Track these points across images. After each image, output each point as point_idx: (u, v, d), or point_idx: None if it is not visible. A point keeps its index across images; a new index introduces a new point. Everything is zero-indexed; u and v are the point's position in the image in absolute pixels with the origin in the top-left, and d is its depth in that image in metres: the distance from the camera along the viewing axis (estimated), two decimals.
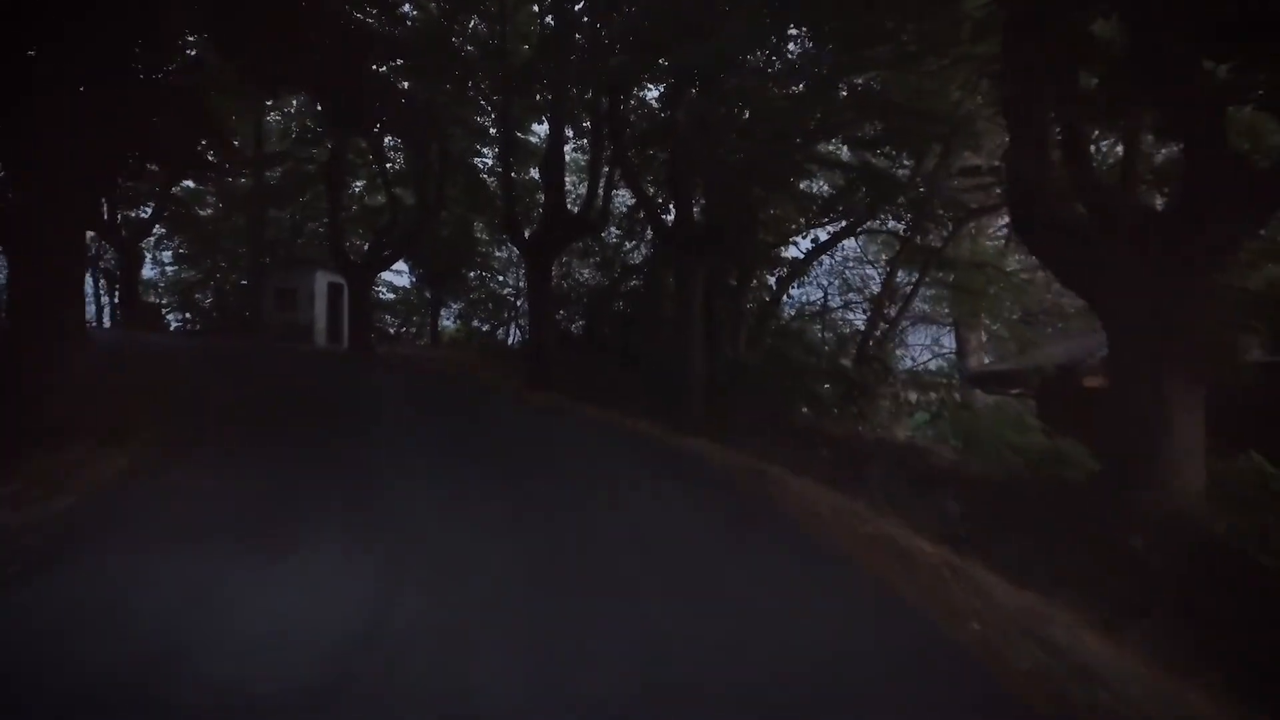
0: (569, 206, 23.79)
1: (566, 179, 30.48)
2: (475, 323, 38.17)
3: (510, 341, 35.47)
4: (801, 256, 19.96)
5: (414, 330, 42.57)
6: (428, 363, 24.52)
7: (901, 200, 16.92)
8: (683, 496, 9.31)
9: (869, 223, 19.41)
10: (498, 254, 36.99)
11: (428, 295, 38.08)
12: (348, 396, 15.53)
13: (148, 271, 39.83)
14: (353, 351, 26.54)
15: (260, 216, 28.92)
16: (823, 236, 20.63)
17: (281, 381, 16.98)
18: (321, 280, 33.05)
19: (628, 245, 26.76)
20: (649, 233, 25.55)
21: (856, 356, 17.53)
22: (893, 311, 18.98)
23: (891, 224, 19.80)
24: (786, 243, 20.35)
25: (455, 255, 34.92)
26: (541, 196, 23.62)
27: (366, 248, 28.79)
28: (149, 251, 36.20)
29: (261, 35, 15.61)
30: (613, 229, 28.48)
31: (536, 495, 8.70)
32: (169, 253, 37.09)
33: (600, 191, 23.06)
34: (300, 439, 11.33)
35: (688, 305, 15.79)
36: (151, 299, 40.99)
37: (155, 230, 34.17)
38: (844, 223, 19.35)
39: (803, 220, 19.38)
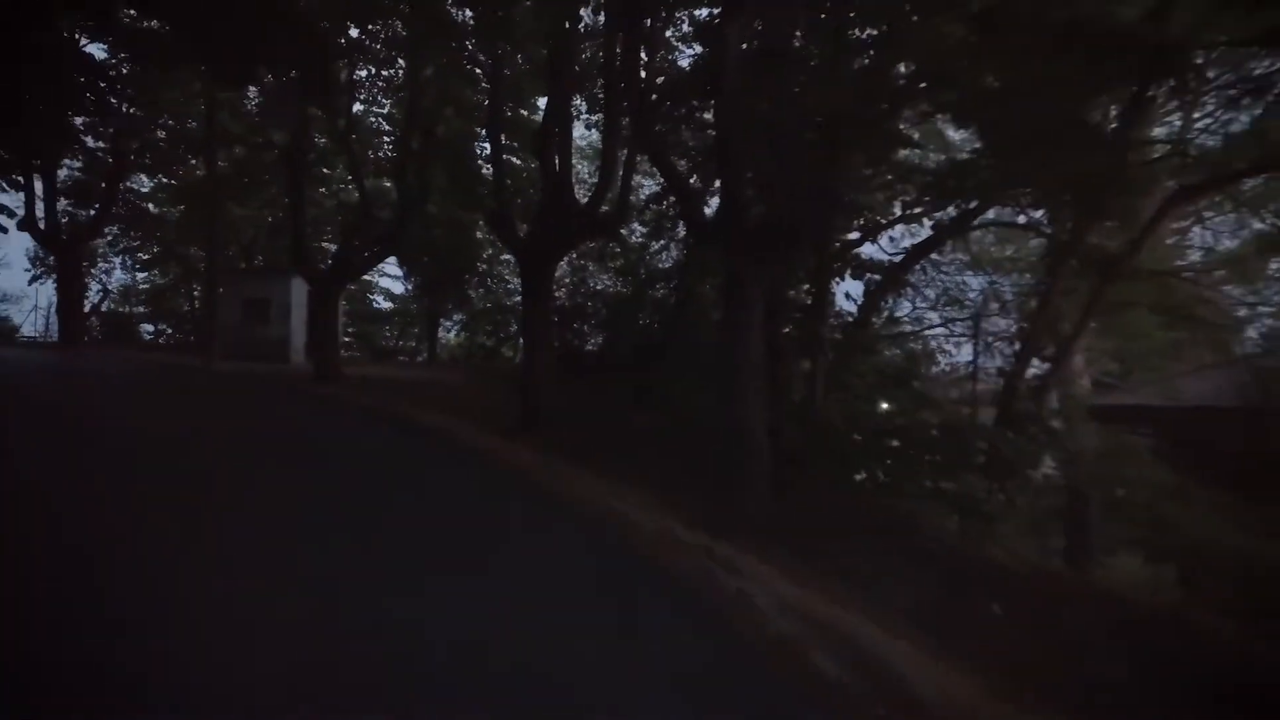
0: (579, 197, 18.45)
1: (578, 165, 24.87)
2: (479, 337, 32.93)
3: (517, 358, 30.18)
4: (884, 258, 14.27)
5: (412, 344, 37.43)
6: (397, 392, 19.19)
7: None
8: None
9: (991, 211, 13.74)
10: (505, 258, 31.71)
11: (425, 306, 32.98)
12: (183, 454, 10.22)
13: (121, 277, 35.29)
14: (315, 375, 21.30)
15: (214, 211, 23.74)
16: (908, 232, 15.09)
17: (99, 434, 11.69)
18: (300, 290, 27.90)
19: (655, 245, 21.22)
20: (681, 229, 20.07)
21: (999, 414, 11.81)
22: (1046, 345, 13.16)
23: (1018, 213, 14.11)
24: (864, 240, 14.67)
25: (453, 260, 29.71)
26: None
27: (334, 250, 23.40)
28: (109, 257, 31.45)
29: None
30: (637, 226, 23.00)
31: None
32: (124, 257, 32.08)
33: (619, 177, 17.62)
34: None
35: (741, 333, 10.24)
36: (121, 310, 36.47)
37: (109, 231, 29.35)
38: (954, 209, 13.64)
39: (898, 205, 13.69)
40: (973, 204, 13.31)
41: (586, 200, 17.45)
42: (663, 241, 20.72)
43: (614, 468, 11.99)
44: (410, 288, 33.90)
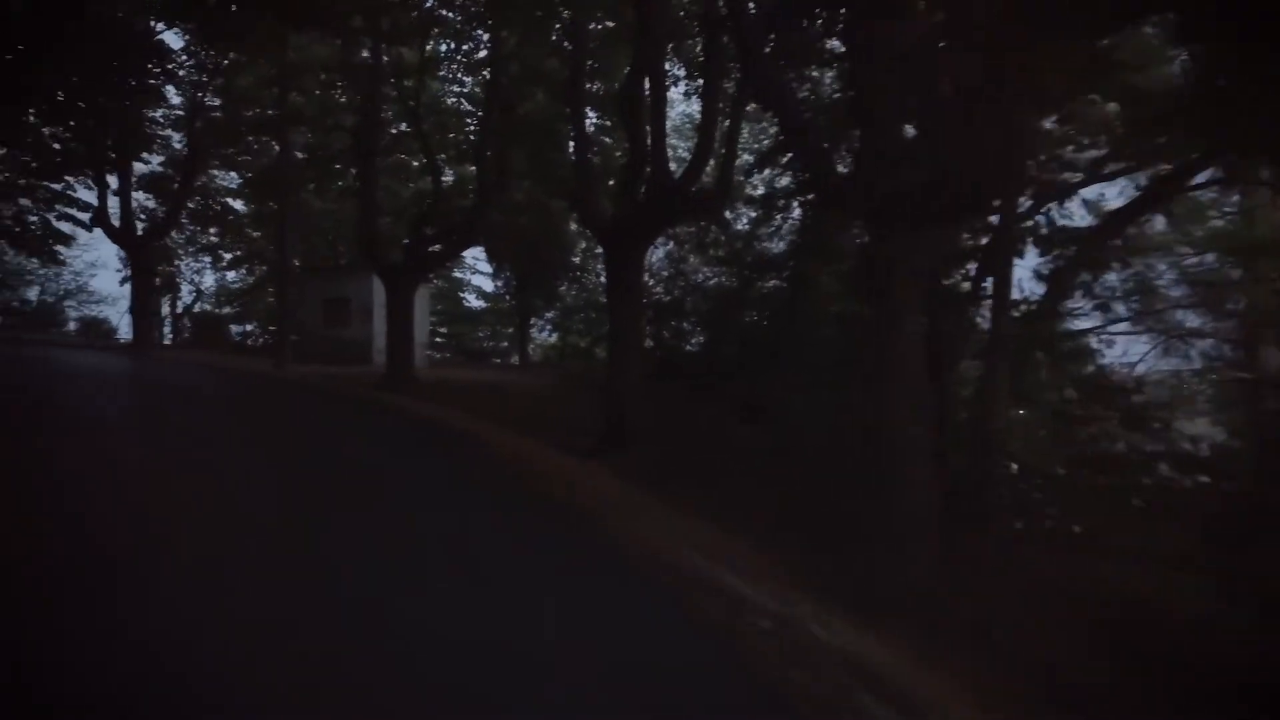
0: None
1: (675, 145, 22.31)
2: (571, 337, 30.63)
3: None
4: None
5: (504, 345, 35.51)
6: (472, 401, 16.87)
7: None
8: None
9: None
10: (601, 250, 29.27)
11: (515, 303, 30.93)
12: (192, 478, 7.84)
13: (212, 278, 34.67)
14: (385, 381, 19.28)
15: (286, 198, 22.06)
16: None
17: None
18: (383, 288, 26.20)
19: (763, 228, 18.30)
20: (795, 207, 17.12)
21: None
22: None
23: None
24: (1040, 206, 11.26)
25: (543, 252, 27.43)
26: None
27: (406, 244, 21.37)
28: (194, 256, 30.65)
29: None
30: (744, 211, 20.12)
31: None
32: (205, 255, 31.20)
33: (719, 147, 14.85)
34: None
35: (890, 329, 7.28)
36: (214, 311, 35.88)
37: (189, 229, 28.38)
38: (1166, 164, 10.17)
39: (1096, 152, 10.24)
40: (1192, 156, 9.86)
41: (681, 174, 14.72)
42: (774, 224, 17.74)
43: (713, 502, 9.21)
44: (500, 284, 31.93)
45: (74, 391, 12.73)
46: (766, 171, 17.99)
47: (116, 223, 23.17)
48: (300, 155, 22.81)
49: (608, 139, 22.59)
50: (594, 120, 21.93)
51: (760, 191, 19.62)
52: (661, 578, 6.35)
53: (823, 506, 8.34)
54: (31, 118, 23.68)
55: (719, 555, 7.16)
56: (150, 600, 4.75)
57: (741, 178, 17.92)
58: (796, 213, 17.34)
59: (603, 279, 29.20)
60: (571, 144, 15.94)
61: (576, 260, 29.82)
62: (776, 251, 18.59)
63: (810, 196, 16.93)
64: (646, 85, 13.95)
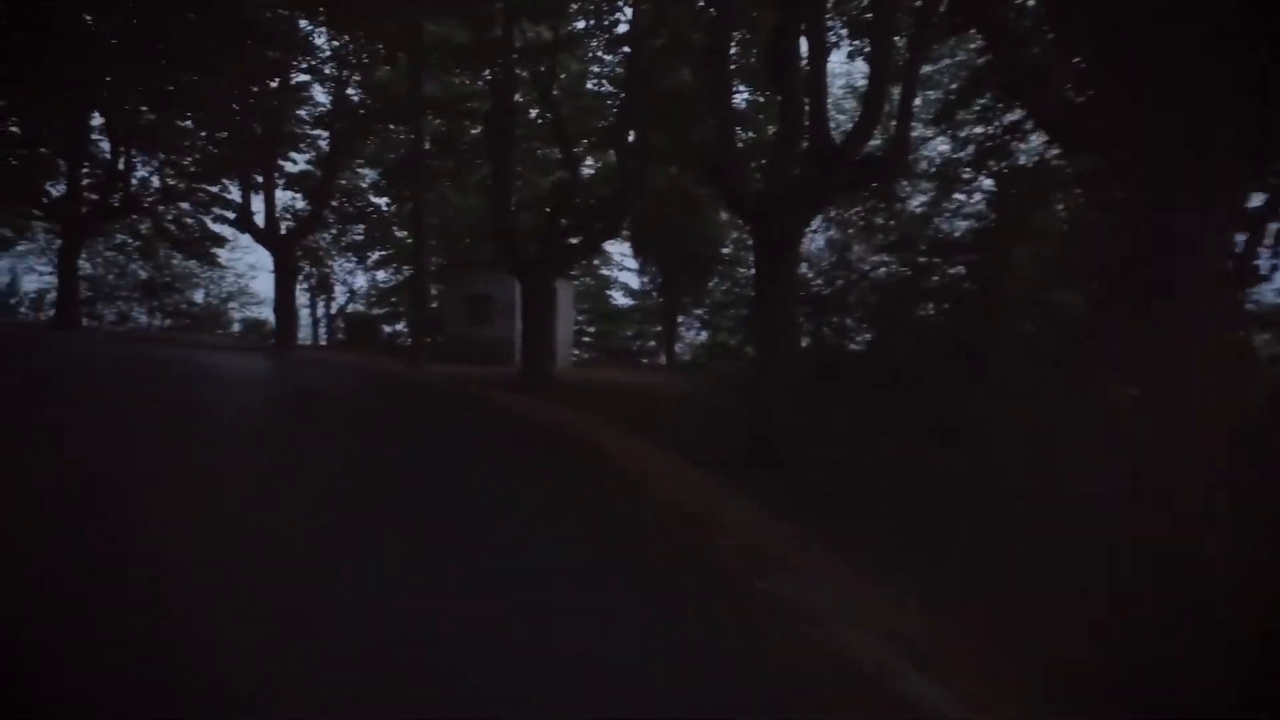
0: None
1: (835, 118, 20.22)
2: (721, 334, 28.51)
3: None
4: None
5: (651, 344, 33.81)
6: (608, 405, 15.16)
7: None
8: None
9: None
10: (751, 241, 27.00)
11: (659, 299, 29.13)
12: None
13: (361, 280, 34.95)
14: (520, 383, 17.90)
15: (421, 192, 21.19)
16: None
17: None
18: None
19: (948, 204, 15.64)
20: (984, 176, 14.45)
21: None
22: None
23: None
24: None
25: (692, 243, 25.48)
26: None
27: (540, 238, 19.91)
28: (338, 256, 30.75)
29: None
30: (910, 189, 17.48)
31: None
32: (351, 255, 31.21)
33: (890, 105, 12.44)
34: None
35: (1174, 339, 4.81)
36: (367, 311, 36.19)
37: (336, 227, 28.34)
38: None
39: None
40: None
41: (844, 140, 12.40)
42: (955, 201, 15.05)
43: (886, 547, 6.90)
44: (645, 280, 30.24)
45: (175, 392, 11.91)
46: (948, 134, 15.31)
47: (261, 223, 23.14)
48: (429, 147, 21.85)
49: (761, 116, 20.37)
50: (743, 94, 19.90)
51: (938, 164, 16.93)
52: (830, 673, 4.21)
53: (1053, 559, 5.88)
54: (189, 122, 24.17)
55: (917, 642, 4.90)
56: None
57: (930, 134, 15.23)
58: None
59: (753, 272, 27.01)
60: (711, 99, 13.75)
61: (727, 252, 27.72)
62: (958, 232, 15.91)
63: (1004, 165, 14.24)
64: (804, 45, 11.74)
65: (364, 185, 27.81)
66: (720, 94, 13.37)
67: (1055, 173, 11.93)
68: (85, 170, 23.90)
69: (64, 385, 12.32)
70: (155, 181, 25.32)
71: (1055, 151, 11.50)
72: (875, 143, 13.37)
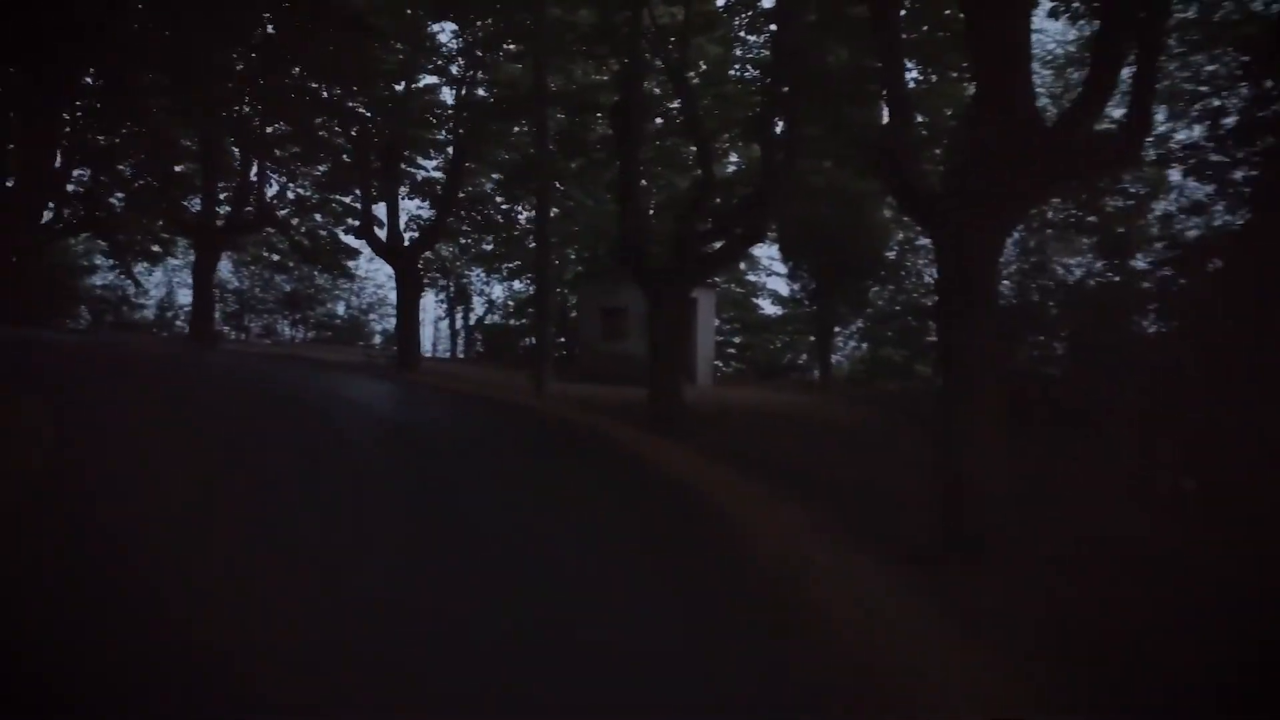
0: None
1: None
2: (885, 349, 25.32)
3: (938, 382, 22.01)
4: None
5: (804, 358, 30.85)
6: (754, 443, 12.66)
7: None
8: None
9: None
10: (922, 243, 23.64)
11: (812, 307, 26.14)
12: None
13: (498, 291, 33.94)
14: (648, 413, 15.56)
15: (544, 191, 19.37)
16: None
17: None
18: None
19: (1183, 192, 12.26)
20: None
21: None
22: None
23: None
24: None
25: (849, 245, 22.48)
26: None
27: (674, 244, 17.51)
28: (468, 266, 29.67)
29: None
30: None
31: None
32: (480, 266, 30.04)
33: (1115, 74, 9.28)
34: None
35: None
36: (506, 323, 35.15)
37: (467, 236, 27.17)
38: None
39: None
40: None
41: (1060, 117, 9.40)
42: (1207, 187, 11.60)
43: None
44: (796, 287, 27.37)
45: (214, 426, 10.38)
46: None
47: (385, 234, 22.09)
48: (553, 147, 20.01)
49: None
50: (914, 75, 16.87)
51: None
52: None
53: None
54: (322, 133, 23.55)
55: None
56: None
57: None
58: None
59: (925, 277, 23.59)
60: (880, 67, 10.93)
61: (891, 255, 24.52)
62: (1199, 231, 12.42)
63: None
64: None
65: (489, 190, 26.44)
66: (890, 63, 10.56)
67: None
68: (220, 186, 23.70)
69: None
70: (290, 194, 24.92)
71: None
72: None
